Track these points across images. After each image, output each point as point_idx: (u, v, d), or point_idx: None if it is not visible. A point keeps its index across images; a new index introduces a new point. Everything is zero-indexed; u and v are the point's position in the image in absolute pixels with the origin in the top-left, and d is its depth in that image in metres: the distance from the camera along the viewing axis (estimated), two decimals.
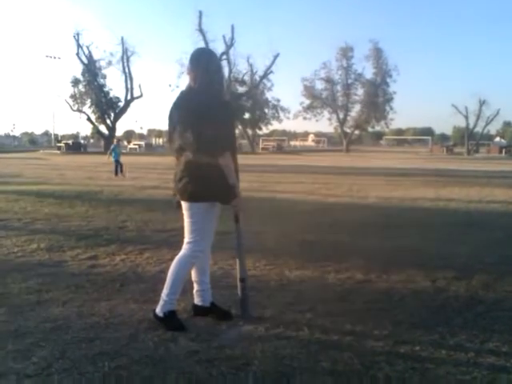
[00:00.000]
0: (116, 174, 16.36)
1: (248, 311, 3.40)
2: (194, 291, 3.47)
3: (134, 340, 3.02)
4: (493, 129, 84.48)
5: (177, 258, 3.27)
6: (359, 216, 8.25)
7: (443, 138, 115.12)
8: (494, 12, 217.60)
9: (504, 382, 2.57)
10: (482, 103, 57.46)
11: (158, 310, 3.27)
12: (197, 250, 3.22)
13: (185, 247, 3.25)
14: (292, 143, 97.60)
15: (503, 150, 54.51)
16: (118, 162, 16.62)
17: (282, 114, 63.11)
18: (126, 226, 6.89)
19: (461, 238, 6.33)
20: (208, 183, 3.10)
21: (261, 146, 64.64)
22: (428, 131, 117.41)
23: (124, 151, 19.73)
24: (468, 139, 58.51)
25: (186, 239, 3.26)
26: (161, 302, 3.27)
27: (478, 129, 60.74)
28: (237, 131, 74.52)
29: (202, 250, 3.25)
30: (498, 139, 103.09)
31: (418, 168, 23.72)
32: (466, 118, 59.34)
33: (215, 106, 3.09)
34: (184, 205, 3.23)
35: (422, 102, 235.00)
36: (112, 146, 18.11)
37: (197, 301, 3.46)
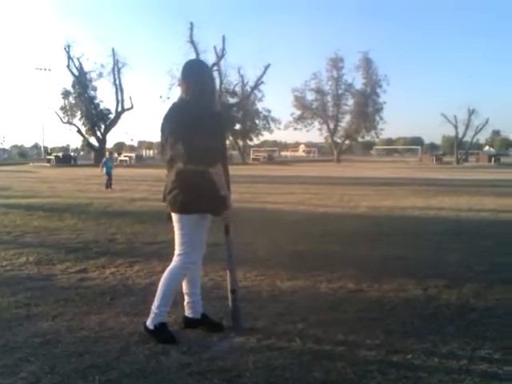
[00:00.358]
0: (106, 187, 16.08)
1: (239, 322, 3.38)
2: (185, 303, 3.44)
3: (124, 353, 2.99)
4: (482, 138, 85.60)
5: (167, 270, 3.25)
6: (350, 226, 8.27)
7: (433, 147, 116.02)
8: (482, 23, 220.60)
9: None
10: (471, 112, 57.97)
11: (149, 323, 3.24)
12: (187, 262, 3.20)
13: (175, 259, 3.24)
14: (283, 153, 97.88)
15: (492, 159, 54.90)
16: (109, 174, 16.43)
17: (272, 125, 63.50)
18: (115, 239, 6.85)
19: (451, 247, 6.35)
20: (198, 195, 3.09)
21: (252, 157, 64.72)
22: (417, 141, 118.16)
23: (115, 163, 19.10)
24: (457, 148, 58.96)
25: (177, 251, 3.24)
26: (151, 315, 3.24)
27: (467, 138, 61.29)
28: (228, 142, 74.83)
29: (193, 261, 3.23)
30: (487, 148, 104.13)
31: (407, 178, 23.84)
32: (456, 127, 59.85)
33: (206, 118, 3.09)
34: (174, 216, 3.21)
35: (412, 111, 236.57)
36: (104, 159, 17.84)
37: (187, 313, 3.44)
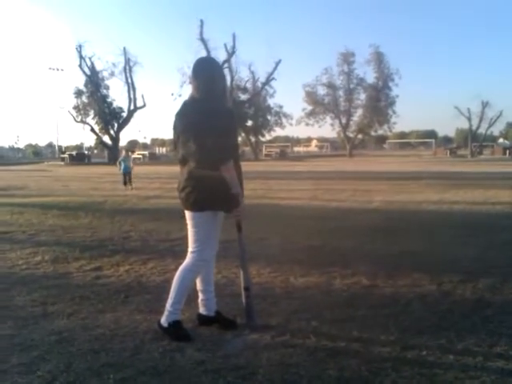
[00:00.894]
0: (125, 184, 15.57)
1: (253, 319, 3.38)
2: (199, 300, 3.45)
3: (139, 351, 3.01)
4: (496, 130, 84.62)
5: (181, 267, 3.26)
6: (363, 220, 8.22)
7: (446, 140, 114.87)
8: (495, 14, 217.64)
9: None
10: (485, 105, 57.36)
11: (163, 320, 3.26)
12: (201, 260, 3.21)
13: (189, 256, 3.25)
14: (295, 149, 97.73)
15: (507, 152, 54.24)
16: (126, 174, 15.77)
17: (284, 121, 63.41)
18: (130, 236, 6.89)
19: (466, 241, 6.29)
20: (211, 192, 3.09)
21: (264, 153, 64.73)
22: (431, 134, 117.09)
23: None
24: (471, 141, 58.37)
25: (190, 249, 3.25)
26: (165, 312, 3.26)
27: (481, 130, 60.65)
28: (240, 138, 74.82)
29: (206, 259, 3.24)
30: (501, 140, 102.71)
31: (421, 171, 23.65)
32: (469, 119, 59.26)
33: (217, 115, 3.09)
34: (187, 214, 3.22)
35: (425, 104, 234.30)
36: (120, 158, 17.29)
37: (201, 310, 3.45)
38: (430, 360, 2.84)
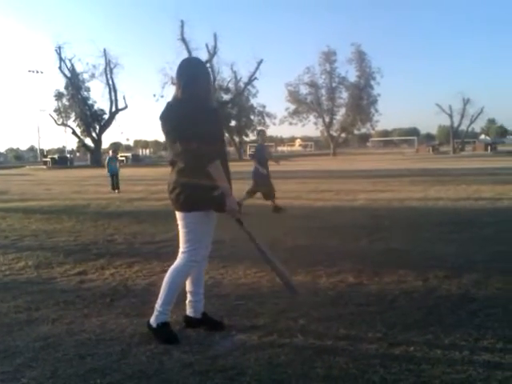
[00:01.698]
0: (113, 188, 14.87)
1: (295, 291, 3.33)
2: (187, 301, 3.41)
3: (126, 355, 2.98)
4: (477, 127, 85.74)
5: (171, 267, 3.24)
6: (348, 219, 8.26)
7: (429, 137, 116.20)
8: (476, 13, 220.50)
9: (499, 378, 2.56)
10: (466, 102, 58.10)
11: (152, 321, 3.23)
12: (191, 261, 3.18)
13: (180, 257, 3.22)
14: (279, 148, 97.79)
15: (488, 147, 54.99)
16: (115, 175, 15.05)
17: (267, 120, 63.60)
18: (114, 240, 6.83)
19: (450, 237, 6.35)
20: (200, 192, 3.07)
21: (248, 153, 64.69)
22: (413, 131, 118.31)
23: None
24: (453, 138, 59.05)
25: (181, 249, 3.22)
26: (155, 313, 3.23)
27: (463, 127, 61.48)
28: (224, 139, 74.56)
29: (197, 260, 3.21)
30: (482, 137, 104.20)
31: (404, 168, 23.86)
32: (451, 116, 59.97)
33: (201, 115, 3.06)
34: (178, 214, 3.20)
35: (407, 102, 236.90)
36: (107, 159, 16.38)
37: (189, 312, 3.41)
38: (417, 355, 2.85)
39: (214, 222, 3.31)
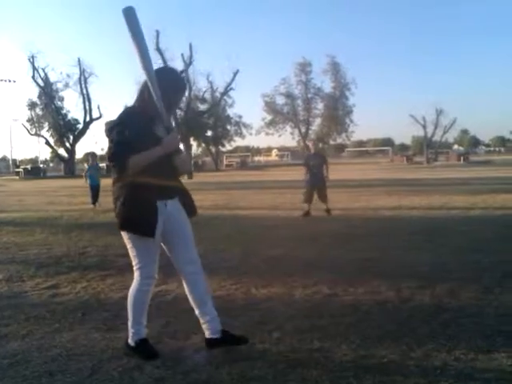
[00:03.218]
0: (93, 203, 13.11)
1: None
2: (201, 324, 3.21)
3: (97, 371, 2.92)
4: (450, 137, 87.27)
5: (130, 288, 3.16)
6: (324, 229, 8.30)
7: (403, 147, 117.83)
8: (448, 24, 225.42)
9: None
10: (439, 112, 59.12)
11: (130, 341, 3.15)
12: (144, 277, 3.08)
13: (135, 275, 3.13)
14: (256, 158, 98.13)
15: (461, 158, 55.95)
16: (96, 188, 13.27)
17: (244, 130, 63.75)
18: (87, 252, 6.73)
19: (424, 246, 6.43)
20: (128, 213, 2.96)
21: (225, 163, 64.79)
22: (388, 142, 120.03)
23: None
24: (427, 148, 59.98)
25: (133, 266, 3.14)
26: (129, 334, 3.15)
27: (437, 137, 62.48)
28: (200, 149, 74.38)
29: (150, 276, 3.10)
30: (456, 147, 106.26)
31: (379, 178, 24.12)
32: (424, 127, 60.92)
33: (127, 120, 2.95)
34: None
35: (382, 113, 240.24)
36: (87, 167, 14.52)
37: (206, 334, 3.19)
38: (390, 367, 2.85)
39: (189, 225, 3.16)
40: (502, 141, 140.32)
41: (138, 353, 3.10)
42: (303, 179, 10.94)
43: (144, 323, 3.17)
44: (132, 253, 3.09)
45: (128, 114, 3.03)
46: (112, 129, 2.93)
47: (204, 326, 3.19)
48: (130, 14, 2.88)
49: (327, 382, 2.68)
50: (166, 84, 3.02)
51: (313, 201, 10.43)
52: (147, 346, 3.13)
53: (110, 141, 2.92)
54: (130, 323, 3.15)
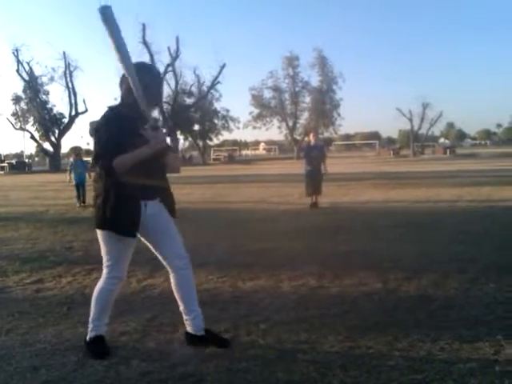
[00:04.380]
0: (79, 201, 12.32)
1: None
2: (184, 320, 3.18)
3: (82, 365, 2.89)
4: (437, 130, 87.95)
5: (97, 285, 3.13)
6: (311, 222, 8.31)
7: (390, 141, 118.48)
8: (435, 19, 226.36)
9: (455, 377, 2.59)
10: (426, 106, 59.50)
11: (87, 336, 3.11)
12: (112, 277, 3.04)
13: (103, 272, 3.09)
14: (243, 152, 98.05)
15: (447, 151, 56.34)
16: (81, 185, 12.46)
17: (231, 124, 63.45)
18: (72, 247, 6.67)
19: (410, 238, 6.47)
20: (107, 213, 2.90)
21: (212, 157, 64.61)
22: (375, 135, 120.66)
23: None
24: (413, 141, 60.35)
25: (103, 263, 3.09)
26: (88, 327, 3.12)
27: (423, 131, 62.92)
28: (187, 143, 74.03)
29: (118, 275, 3.06)
30: (442, 140, 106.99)
31: (366, 172, 24.21)
32: (411, 120, 61.29)
33: (99, 124, 2.94)
34: None
35: (369, 107, 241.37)
36: (70, 163, 13.65)
37: (189, 329, 3.16)
38: (376, 357, 2.87)
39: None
40: (487, 134, 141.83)
41: (89, 349, 3.05)
42: (303, 172, 10.94)
43: (105, 321, 3.12)
44: (104, 249, 3.04)
45: (113, 113, 2.98)
46: (98, 129, 2.91)
47: (187, 323, 3.16)
48: (106, 13, 2.76)
49: (314, 374, 2.68)
50: (150, 80, 2.95)
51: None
52: (101, 344, 3.06)
53: (97, 141, 2.89)
54: (90, 318, 3.10)
